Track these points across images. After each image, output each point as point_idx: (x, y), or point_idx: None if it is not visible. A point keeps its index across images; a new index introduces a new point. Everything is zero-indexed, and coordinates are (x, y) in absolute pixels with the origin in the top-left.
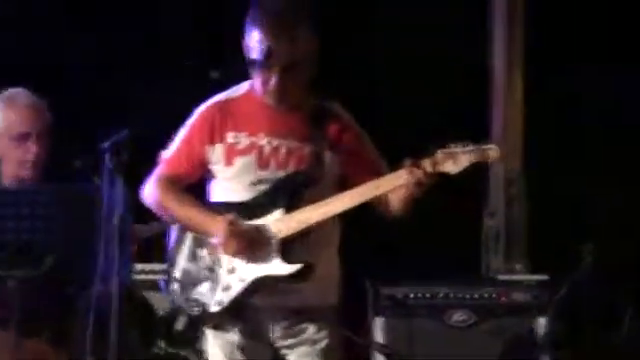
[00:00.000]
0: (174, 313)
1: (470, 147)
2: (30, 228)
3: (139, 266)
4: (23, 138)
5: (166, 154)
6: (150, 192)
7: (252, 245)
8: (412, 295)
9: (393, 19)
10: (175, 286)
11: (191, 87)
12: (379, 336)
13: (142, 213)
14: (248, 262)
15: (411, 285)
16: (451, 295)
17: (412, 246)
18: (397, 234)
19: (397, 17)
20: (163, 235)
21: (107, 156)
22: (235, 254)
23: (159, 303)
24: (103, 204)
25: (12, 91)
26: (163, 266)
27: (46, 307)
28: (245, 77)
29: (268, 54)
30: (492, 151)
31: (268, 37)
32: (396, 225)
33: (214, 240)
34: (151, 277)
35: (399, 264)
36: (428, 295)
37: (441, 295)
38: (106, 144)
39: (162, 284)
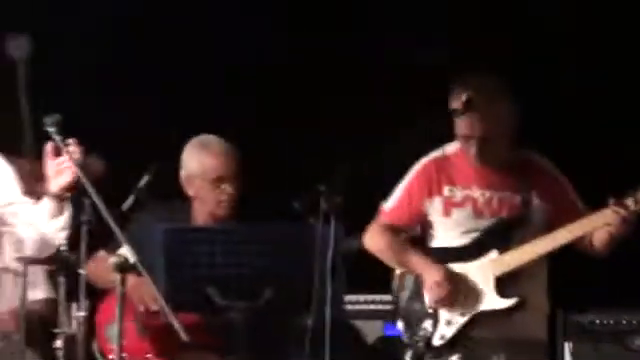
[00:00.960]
0: (399, 347)
1: None
2: (253, 263)
3: (351, 297)
4: (218, 181)
5: (387, 205)
6: (373, 240)
7: (460, 292)
8: (598, 321)
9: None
10: (400, 322)
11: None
12: None
13: None
14: (457, 305)
15: (597, 312)
16: (634, 321)
17: (599, 274)
18: (585, 263)
19: None
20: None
21: (322, 198)
22: (443, 302)
23: (369, 331)
24: (318, 242)
25: (205, 137)
26: (371, 297)
27: (261, 335)
28: None
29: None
30: None
31: (471, 114)
32: (584, 255)
33: (427, 286)
34: (362, 307)
35: (586, 292)
36: (612, 321)
37: (624, 321)
38: (321, 187)
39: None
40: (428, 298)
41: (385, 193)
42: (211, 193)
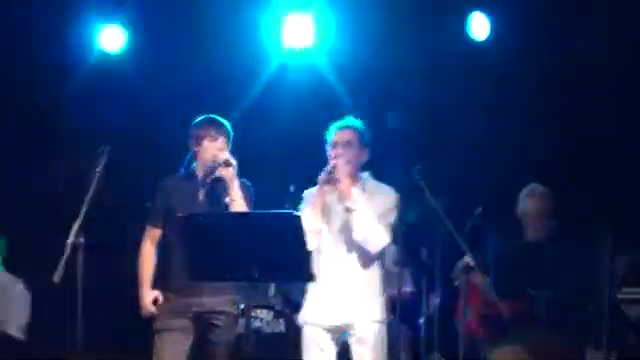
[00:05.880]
0: None
1: None
2: (554, 267)
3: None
4: (540, 214)
5: None
6: None
7: None
8: None
9: None
10: None
11: None
12: None
13: None
14: None
15: None
16: None
17: None
18: None
19: None
20: None
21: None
22: None
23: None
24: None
25: (533, 185)
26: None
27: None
28: None
29: None
30: None
31: None
32: None
33: None
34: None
35: None
36: None
37: None
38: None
39: None
40: None
41: None
42: (537, 223)
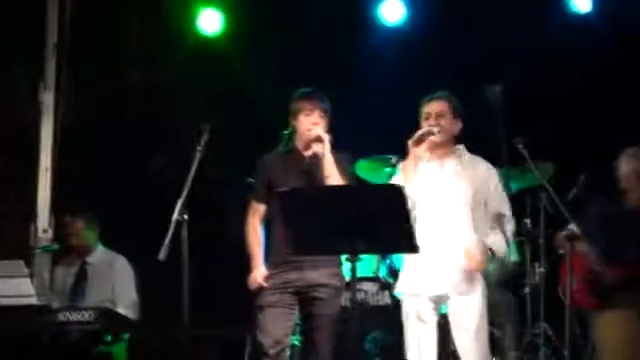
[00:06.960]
0: None
1: None
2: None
3: None
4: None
5: None
6: None
7: None
8: None
9: None
10: None
11: None
12: None
13: None
14: None
15: None
16: None
17: None
18: None
19: None
20: None
21: None
22: None
23: None
24: None
25: (631, 148)
26: None
27: None
28: None
29: None
30: None
31: None
32: None
33: None
34: None
35: None
36: None
37: None
38: None
39: None
40: None
41: None
42: (636, 185)
